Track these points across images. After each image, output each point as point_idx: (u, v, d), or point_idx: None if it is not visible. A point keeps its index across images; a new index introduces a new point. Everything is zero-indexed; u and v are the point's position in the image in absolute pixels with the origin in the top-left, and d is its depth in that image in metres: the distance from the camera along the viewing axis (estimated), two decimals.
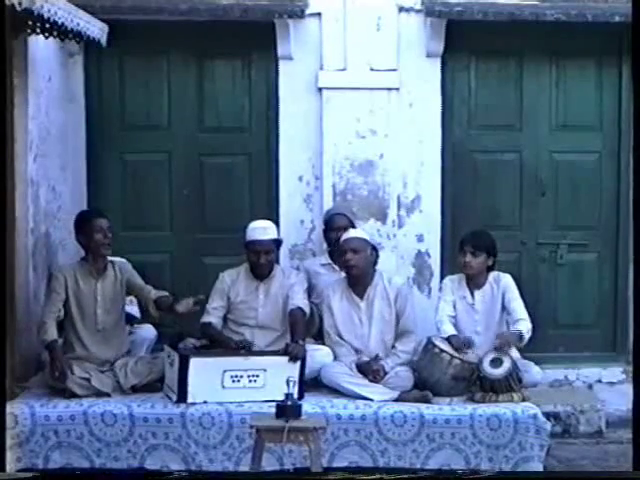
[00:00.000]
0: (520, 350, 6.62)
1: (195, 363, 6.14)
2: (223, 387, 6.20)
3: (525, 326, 6.55)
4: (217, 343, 6.57)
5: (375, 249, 6.73)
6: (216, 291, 6.76)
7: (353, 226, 7.09)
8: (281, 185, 7.63)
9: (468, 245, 6.70)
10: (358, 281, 6.68)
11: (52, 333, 6.27)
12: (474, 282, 6.76)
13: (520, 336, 6.47)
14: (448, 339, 6.50)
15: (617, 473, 6.19)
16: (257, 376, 6.23)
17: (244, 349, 6.44)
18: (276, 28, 7.42)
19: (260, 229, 6.73)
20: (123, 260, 6.78)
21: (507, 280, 6.76)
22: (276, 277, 6.78)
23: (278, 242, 6.81)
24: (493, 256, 6.74)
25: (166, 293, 6.54)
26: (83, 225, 6.53)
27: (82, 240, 6.53)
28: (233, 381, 6.21)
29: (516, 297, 6.71)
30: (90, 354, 6.44)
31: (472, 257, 6.69)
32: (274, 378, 6.10)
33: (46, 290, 6.64)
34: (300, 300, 6.68)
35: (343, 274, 6.96)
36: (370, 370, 6.46)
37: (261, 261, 6.67)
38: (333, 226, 7.15)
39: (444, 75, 7.65)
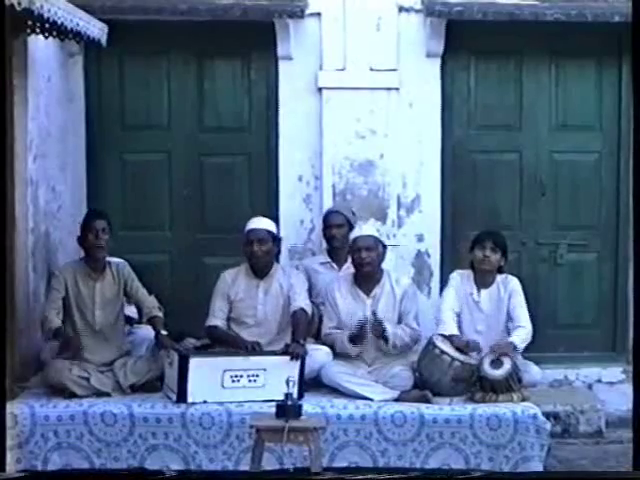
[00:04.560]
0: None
1: (195, 363, 6.13)
2: (223, 387, 6.19)
3: (521, 336, 6.52)
4: (225, 344, 6.57)
5: (384, 246, 6.74)
6: (218, 292, 6.75)
7: (350, 224, 7.10)
8: (281, 185, 7.63)
9: (488, 241, 6.67)
10: (367, 278, 6.68)
11: (56, 322, 6.30)
12: (483, 280, 6.74)
13: (514, 347, 6.46)
14: (450, 338, 6.49)
15: (617, 473, 6.18)
16: (257, 376, 6.23)
17: (254, 350, 6.43)
18: (276, 28, 7.42)
19: (255, 220, 6.77)
20: (122, 261, 6.78)
21: (515, 284, 6.73)
22: (276, 276, 6.77)
23: (275, 238, 6.77)
24: (505, 257, 6.74)
25: (160, 314, 6.53)
26: (82, 226, 6.58)
27: (80, 240, 6.58)
28: (233, 381, 6.20)
29: (521, 303, 6.69)
30: (89, 354, 6.45)
31: (492, 252, 6.68)
32: (274, 378, 6.09)
33: (46, 288, 6.67)
34: (303, 301, 6.67)
35: (341, 272, 6.99)
36: (372, 328, 6.45)
37: (254, 249, 6.63)
38: (328, 223, 7.18)
39: (444, 75, 7.64)
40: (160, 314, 6.55)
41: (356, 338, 6.50)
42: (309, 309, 6.70)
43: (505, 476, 5.86)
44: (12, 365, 6.10)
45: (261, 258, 6.67)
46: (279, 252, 6.90)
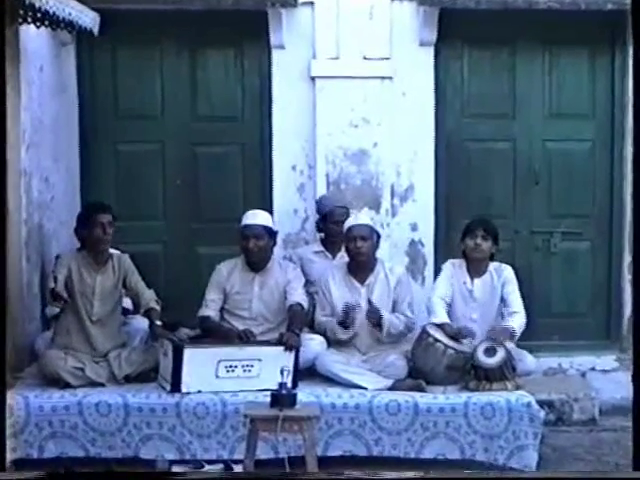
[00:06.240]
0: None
1: (189, 353, 6.13)
2: (217, 377, 6.19)
3: (518, 321, 6.54)
4: (217, 335, 6.55)
5: (379, 236, 6.74)
6: (213, 283, 6.75)
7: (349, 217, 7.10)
8: (274, 174, 7.62)
9: (479, 229, 6.66)
10: (361, 267, 6.67)
11: (54, 285, 6.23)
12: (475, 269, 6.73)
13: (512, 333, 6.47)
14: (442, 326, 6.49)
15: (617, 473, 6.16)
16: (252, 366, 6.22)
17: (247, 338, 6.43)
18: (269, 17, 7.40)
19: (250, 215, 6.74)
20: (124, 255, 6.77)
21: (508, 272, 6.72)
22: (272, 269, 6.76)
23: (271, 232, 6.76)
24: (496, 244, 6.74)
25: (157, 307, 6.51)
26: (85, 218, 6.55)
27: (81, 233, 6.55)
28: (227, 371, 6.20)
29: (515, 290, 6.69)
30: (85, 343, 6.45)
31: (483, 240, 6.67)
32: (269, 368, 6.09)
33: (40, 278, 6.65)
34: (299, 296, 6.67)
35: (335, 261, 6.99)
36: (368, 316, 6.48)
37: (250, 245, 6.63)
38: (334, 219, 7.09)
39: (437, 64, 7.64)
40: (157, 307, 6.53)
41: (344, 322, 6.49)
42: (305, 304, 6.70)
43: (507, 476, 5.83)
44: (10, 356, 6.09)
45: (257, 254, 6.67)
46: (274, 244, 6.88)
